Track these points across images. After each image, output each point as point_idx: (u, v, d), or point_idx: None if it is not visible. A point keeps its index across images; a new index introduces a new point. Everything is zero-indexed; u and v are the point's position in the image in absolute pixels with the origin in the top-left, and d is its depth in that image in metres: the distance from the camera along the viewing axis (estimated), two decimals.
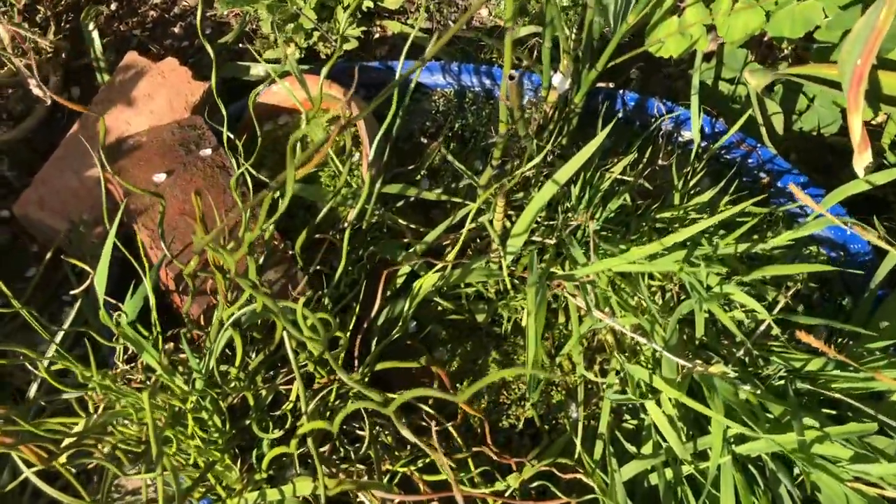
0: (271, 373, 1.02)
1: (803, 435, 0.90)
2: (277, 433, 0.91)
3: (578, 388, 1.12)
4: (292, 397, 0.97)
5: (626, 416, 1.17)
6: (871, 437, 0.99)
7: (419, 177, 1.39)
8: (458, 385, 1.22)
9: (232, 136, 1.29)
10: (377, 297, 1.09)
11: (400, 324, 1.10)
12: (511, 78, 0.80)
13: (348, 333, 1.08)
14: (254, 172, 1.24)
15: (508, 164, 1.20)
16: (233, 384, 0.95)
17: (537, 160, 0.98)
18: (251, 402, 0.95)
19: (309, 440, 0.87)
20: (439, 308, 1.22)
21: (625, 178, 1.16)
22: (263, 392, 0.97)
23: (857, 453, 0.90)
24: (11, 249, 1.50)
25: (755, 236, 1.25)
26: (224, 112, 1.19)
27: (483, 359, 1.24)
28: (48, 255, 1.41)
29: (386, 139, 1.42)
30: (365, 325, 1.12)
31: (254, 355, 0.98)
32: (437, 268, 1.09)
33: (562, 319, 1.22)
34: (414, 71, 1.01)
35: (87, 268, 1.00)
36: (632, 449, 1.11)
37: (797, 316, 1.01)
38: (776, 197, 1.33)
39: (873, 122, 1.42)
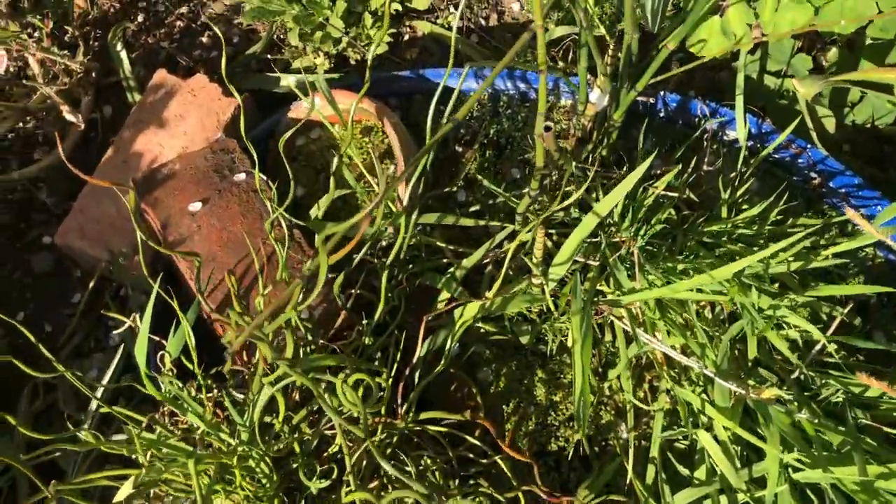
0: (316, 415, 1.02)
1: (865, 472, 0.87)
2: (324, 483, 0.91)
3: (628, 411, 1.09)
4: (338, 441, 0.97)
5: (678, 437, 1.15)
6: None
7: (455, 188, 1.36)
8: (503, 407, 1.20)
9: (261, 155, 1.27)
10: (419, 332, 1.08)
11: (443, 358, 1.09)
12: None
13: (392, 372, 1.07)
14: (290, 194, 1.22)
15: (547, 179, 1.16)
16: (277, 436, 0.94)
17: (575, 198, 0.94)
18: (297, 450, 0.94)
19: (353, 484, 0.87)
20: (482, 329, 1.20)
21: (668, 193, 1.12)
22: (308, 437, 0.97)
23: None
24: (56, 275, 1.51)
25: (807, 243, 1.20)
26: (250, 146, 1.17)
27: (529, 378, 1.22)
28: (91, 284, 1.42)
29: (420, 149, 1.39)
30: (406, 366, 1.11)
31: (296, 410, 0.98)
32: (475, 307, 1.07)
33: (608, 337, 1.19)
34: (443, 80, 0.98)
35: (122, 318, 1.00)
36: (685, 472, 1.08)
37: (855, 339, 0.97)
38: (829, 196, 1.28)
39: None
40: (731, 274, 0.91)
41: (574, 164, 1.03)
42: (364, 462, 0.98)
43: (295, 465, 0.96)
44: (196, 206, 1.26)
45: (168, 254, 1.24)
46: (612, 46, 0.99)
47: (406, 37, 1.62)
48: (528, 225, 1.05)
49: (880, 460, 0.89)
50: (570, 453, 1.16)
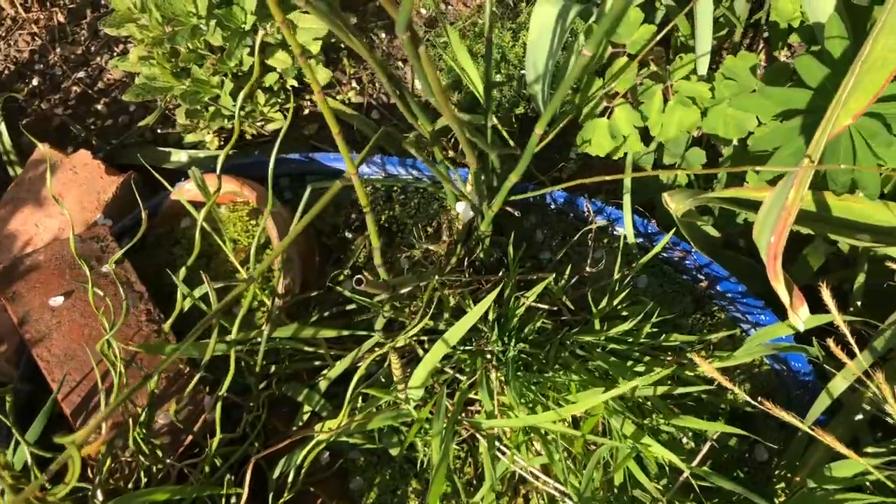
0: None
1: None
2: None
3: None
4: None
5: None
6: None
7: (342, 277, 1.31)
8: None
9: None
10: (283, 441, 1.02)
11: (295, 481, 1.03)
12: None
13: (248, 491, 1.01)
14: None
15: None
16: None
17: (419, 325, 0.89)
18: None
19: None
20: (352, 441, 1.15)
21: (539, 305, 1.08)
22: None
23: None
24: None
25: (690, 352, 1.17)
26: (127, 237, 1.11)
27: (402, 489, 1.17)
28: None
29: (306, 238, 1.34)
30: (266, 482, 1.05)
31: None
32: (335, 424, 1.01)
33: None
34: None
35: None
36: None
37: (715, 478, 0.93)
38: (717, 299, 1.25)
39: None
40: (581, 410, 0.87)
41: (436, 277, 0.98)
42: None
43: None
44: (58, 301, 1.20)
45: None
46: (474, 168, 0.95)
47: (306, 111, 1.57)
48: (390, 338, 1.00)
49: None
50: None
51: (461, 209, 1.02)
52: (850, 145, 0.99)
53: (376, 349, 1.07)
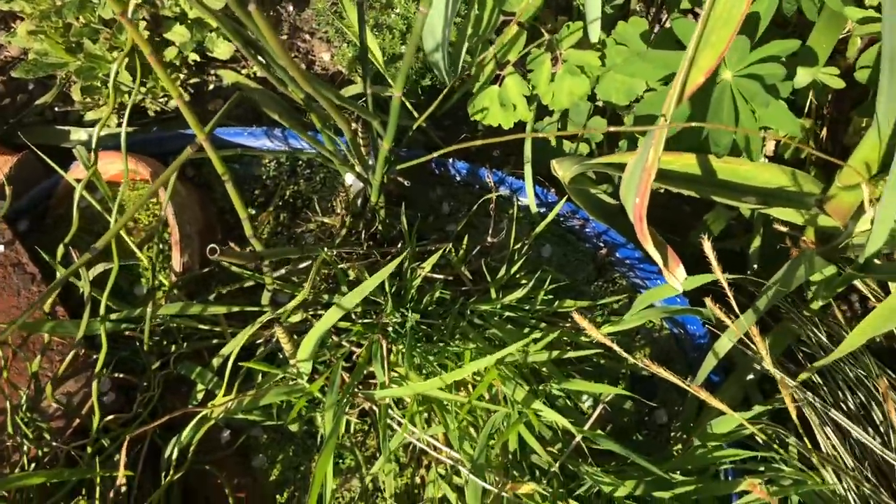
0: None
1: None
2: None
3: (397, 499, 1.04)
4: None
5: None
6: None
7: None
8: (277, 497, 1.14)
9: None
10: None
11: (185, 461, 1.02)
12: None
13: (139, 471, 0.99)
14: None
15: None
16: None
17: (301, 297, 0.88)
18: None
19: None
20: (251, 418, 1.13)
21: (435, 276, 1.07)
22: None
23: None
24: None
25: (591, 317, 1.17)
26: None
27: (306, 465, 1.16)
28: None
29: (206, 215, 1.31)
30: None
31: None
32: (223, 399, 1.00)
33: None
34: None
35: None
36: None
37: (603, 441, 0.94)
38: (617, 266, 1.26)
39: None
40: (461, 377, 0.87)
41: (329, 251, 0.97)
42: None
43: None
44: None
45: None
46: (360, 132, 0.93)
47: (210, 87, 1.54)
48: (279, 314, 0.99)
49: None
50: None
51: (350, 180, 1.01)
52: (733, 107, 1.00)
53: (276, 326, 1.06)
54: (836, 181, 1.00)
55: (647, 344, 1.22)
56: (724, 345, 0.98)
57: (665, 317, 1.20)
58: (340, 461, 1.15)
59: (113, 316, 1.02)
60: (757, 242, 1.20)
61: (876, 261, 0.90)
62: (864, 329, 0.82)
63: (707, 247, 0.84)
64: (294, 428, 1.13)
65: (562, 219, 1.27)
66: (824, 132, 1.36)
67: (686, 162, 1.01)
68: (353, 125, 0.93)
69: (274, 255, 0.90)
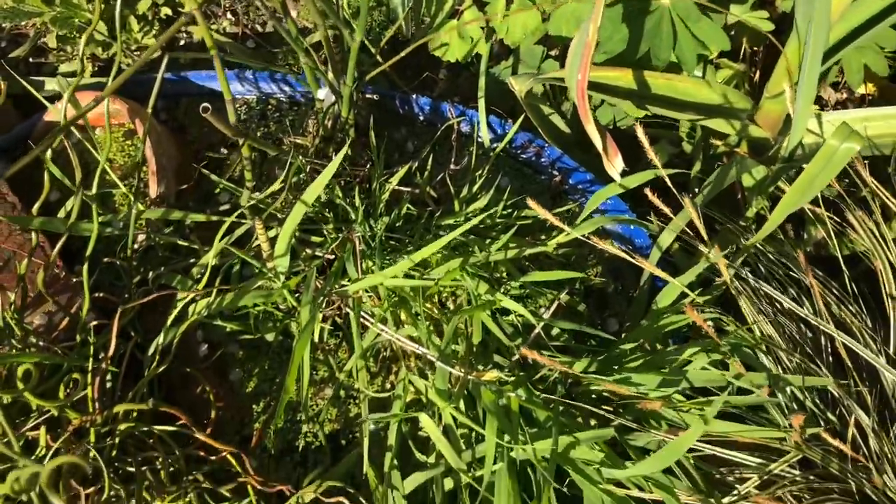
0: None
1: (556, 442, 0.92)
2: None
3: (362, 401, 1.11)
4: (42, 443, 0.93)
5: (422, 426, 1.17)
6: (634, 436, 1.01)
7: (218, 190, 1.35)
8: (253, 407, 1.20)
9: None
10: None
11: (171, 354, 1.07)
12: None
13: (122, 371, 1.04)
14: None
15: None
16: None
17: (278, 184, 0.95)
18: None
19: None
20: (227, 328, 1.19)
21: (402, 188, 1.15)
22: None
23: (607, 456, 0.93)
24: None
25: (543, 237, 1.26)
26: None
27: (280, 378, 1.22)
28: None
29: (181, 154, 1.38)
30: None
31: None
32: (203, 294, 1.06)
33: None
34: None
35: None
36: (423, 458, 1.11)
37: (559, 322, 1.03)
38: (571, 193, 1.35)
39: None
40: (424, 256, 0.95)
41: (300, 158, 1.04)
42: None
43: None
44: None
45: None
46: (324, 34, 1.01)
47: (181, 42, 1.61)
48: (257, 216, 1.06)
49: (571, 432, 0.94)
50: (323, 443, 1.16)
51: (323, 94, 1.09)
52: (671, 27, 1.10)
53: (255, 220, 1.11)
54: (764, 93, 1.11)
55: (598, 262, 1.31)
56: (666, 238, 1.08)
57: (614, 232, 1.30)
58: (314, 372, 1.22)
59: (99, 219, 1.07)
60: (697, 166, 1.30)
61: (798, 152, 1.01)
62: (786, 204, 0.93)
63: (640, 133, 0.94)
64: (270, 337, 1.19)
65: (518, 150, 1.36)
66: (757, 76, 1.48)
67: (630, 78, 1.11)
68: (327, 31, 1.01)
69: (255, 142, 0.97)
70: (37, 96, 1.52)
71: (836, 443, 0.79)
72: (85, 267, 1.01)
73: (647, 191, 0.97)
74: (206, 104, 0.78)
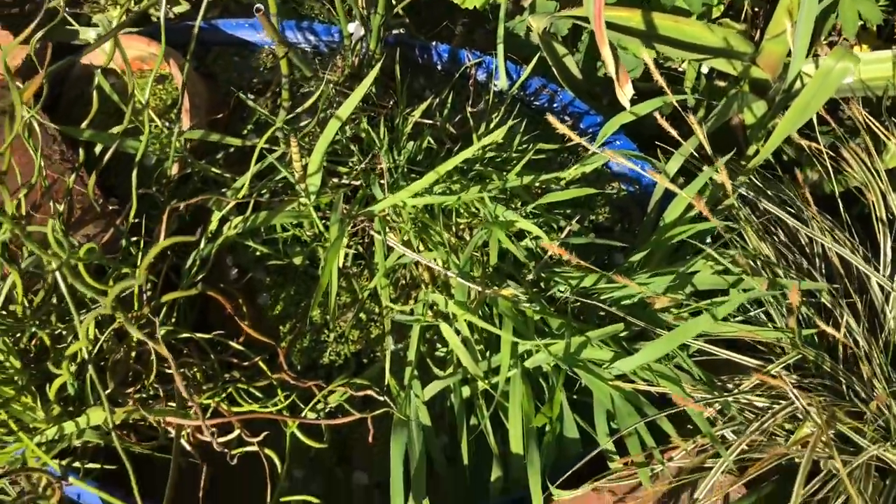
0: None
1: (570, 343, 0.99)
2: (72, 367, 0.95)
3: (385, 316, 1.18)
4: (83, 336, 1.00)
5: (439, 346, 1.24)
6: (641, 344, 1.08)
7: (246, 131, 1.43)
8: (280, 328, 1.27)
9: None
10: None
11: (207, 266, 1.14)
12: (258, 10, 0.85)
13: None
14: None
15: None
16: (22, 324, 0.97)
17: (311, 101, 1.03)
18: (47, 342, 0.98)
19: (91, 371, 0.90)
20: (258, 254, 1.26)
21: (425, 121, 1.23)
22: (61, 332, 1.00)
23: (616, 353, 1.00)
24: None
25: (557, 174, 1.34)
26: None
27: (306, 301, 1.29)
28: None
29: (211, 97, 1.45)
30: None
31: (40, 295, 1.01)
32: (240, 209, 1.13)
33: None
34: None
35: None
36: (439, 372, 1.18)
37: (574, 238, 1.10)
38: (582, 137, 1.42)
39: (679, 69, 1.53)
40: (451, 166, 1.02)
41: (331, 85, 1.12)
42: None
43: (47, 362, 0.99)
44: None
45: None
46: None
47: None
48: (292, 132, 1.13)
49: (581, 332, 1.01)
50: (341, 364, 1.24)
51: (353, 28, 1.16)
52: None
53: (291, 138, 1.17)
54: (765, 35, 1.19)
55: (606, 203, 1.39)
56: (672, 165, 1.15)
57: (621, 174, 1.37)
58: (338, 297, 1.29)
59: (143, 137, 1.14)
60: (701, 113, 1.38)
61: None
62: (787, 121, 1.00)
63: (650, 64, 1.01)
64: (297, 261, 1.26)
65: (532, 97, 1.44)
66: (758, 35, 1.56)
67: (640, 18, 1.19)
68: None
69: (295, 57, 1.04)
70: (75, 45, 1.60)
71: (830, 329, 0.86)
72: (134, 172, 1.08)
73: (657, 114, 1.04)
74: (259, 5, 0.85)
